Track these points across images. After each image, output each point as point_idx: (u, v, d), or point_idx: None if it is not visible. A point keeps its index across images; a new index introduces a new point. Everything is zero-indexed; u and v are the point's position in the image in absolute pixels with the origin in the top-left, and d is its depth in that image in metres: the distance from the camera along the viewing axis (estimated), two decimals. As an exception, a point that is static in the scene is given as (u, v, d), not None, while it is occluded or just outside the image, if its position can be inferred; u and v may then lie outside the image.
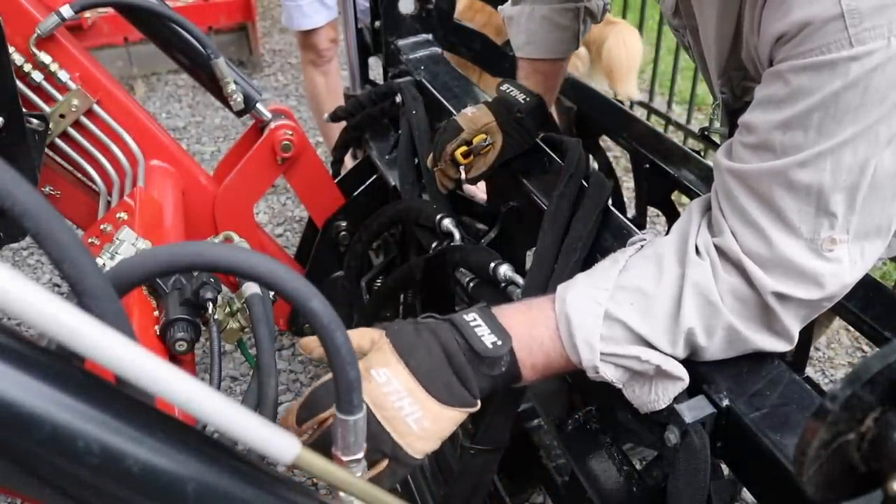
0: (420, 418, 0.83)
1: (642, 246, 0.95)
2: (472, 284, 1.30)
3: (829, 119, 0.77)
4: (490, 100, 1.41)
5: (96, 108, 1.52)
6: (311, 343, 0.87)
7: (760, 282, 0.83)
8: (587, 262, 1.09)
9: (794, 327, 0.87)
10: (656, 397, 0.88)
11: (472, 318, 0.88)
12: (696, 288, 0.85)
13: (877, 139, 0.77)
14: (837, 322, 2.33)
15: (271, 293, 1.00)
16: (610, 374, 0.88)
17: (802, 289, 0.83)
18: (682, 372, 0.86)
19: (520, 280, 1.21)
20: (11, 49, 1.35)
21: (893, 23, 0.73)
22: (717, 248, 0.87)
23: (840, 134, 0.77)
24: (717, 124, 1.42)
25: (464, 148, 1.33)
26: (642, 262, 0.91)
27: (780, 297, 0.84)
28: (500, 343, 0.85)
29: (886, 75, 0.74)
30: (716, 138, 1.55)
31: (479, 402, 0.87)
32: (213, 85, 1.64)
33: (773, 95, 0.82)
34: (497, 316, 0.89)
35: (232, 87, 1.62)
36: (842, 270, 0.83)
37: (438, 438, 0.85)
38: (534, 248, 1.19)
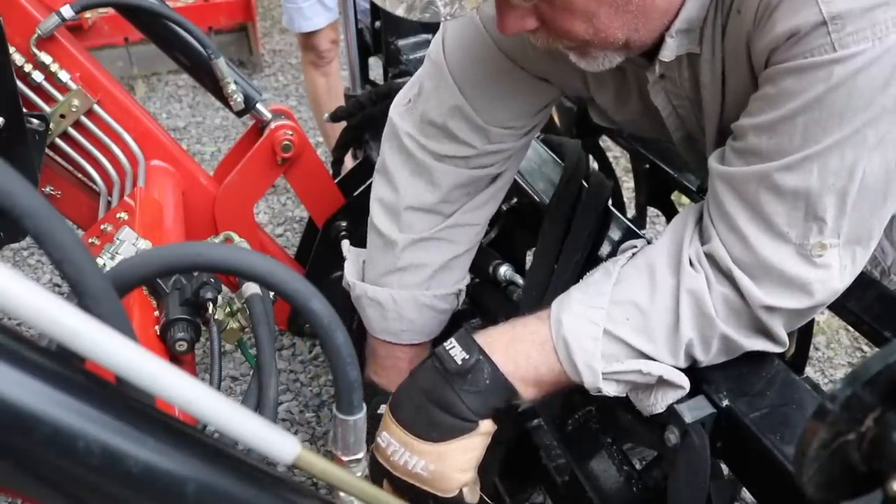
0: (424, 465, 0.86)
1: (633, 254, 0.93)
2: (471, 284, 1.30)
3: (814, 123, 0.76)
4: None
5: (97, 108, 1.52)
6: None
7: (750, 293, 0.82)
8: (588, 262, 1.09)
9: (784, 333, 0.87)
10: (655, 401, 0.88)
11: (450, 343, 0.90)
12: (692, 298, 0.85)
13: (864, 143, 0.76)
14: (837, 322, 2.33)
15: (271, 293, 1.00)
16: (613, 390, 0.88)
17: (792, 298, 0.82)
18: (683, 381, 0.87)
19: (520, 280, 1.21)
20: (12, 49, 1.35)
21: (877, 25, 0.72)
22: (707, 256, 0.86)
23: (825, 138, 0.76)
24: None
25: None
26: (635, 274, 0.90)
27: (770, 309, 0.83)
28: (467, 356, 0.87)
29: (871, 77, 0.73)
30: None
31: (479, 422, 0.88)
32: (213, 85, 1.64)
33: (763, 97, 0.81)
34: (478, 337, 0.90)
35: (232, 87, 1.61)
36: (831, 277, 0.82)
37: (461, 471, 0.88)
38: (534, 248, 1.19)
